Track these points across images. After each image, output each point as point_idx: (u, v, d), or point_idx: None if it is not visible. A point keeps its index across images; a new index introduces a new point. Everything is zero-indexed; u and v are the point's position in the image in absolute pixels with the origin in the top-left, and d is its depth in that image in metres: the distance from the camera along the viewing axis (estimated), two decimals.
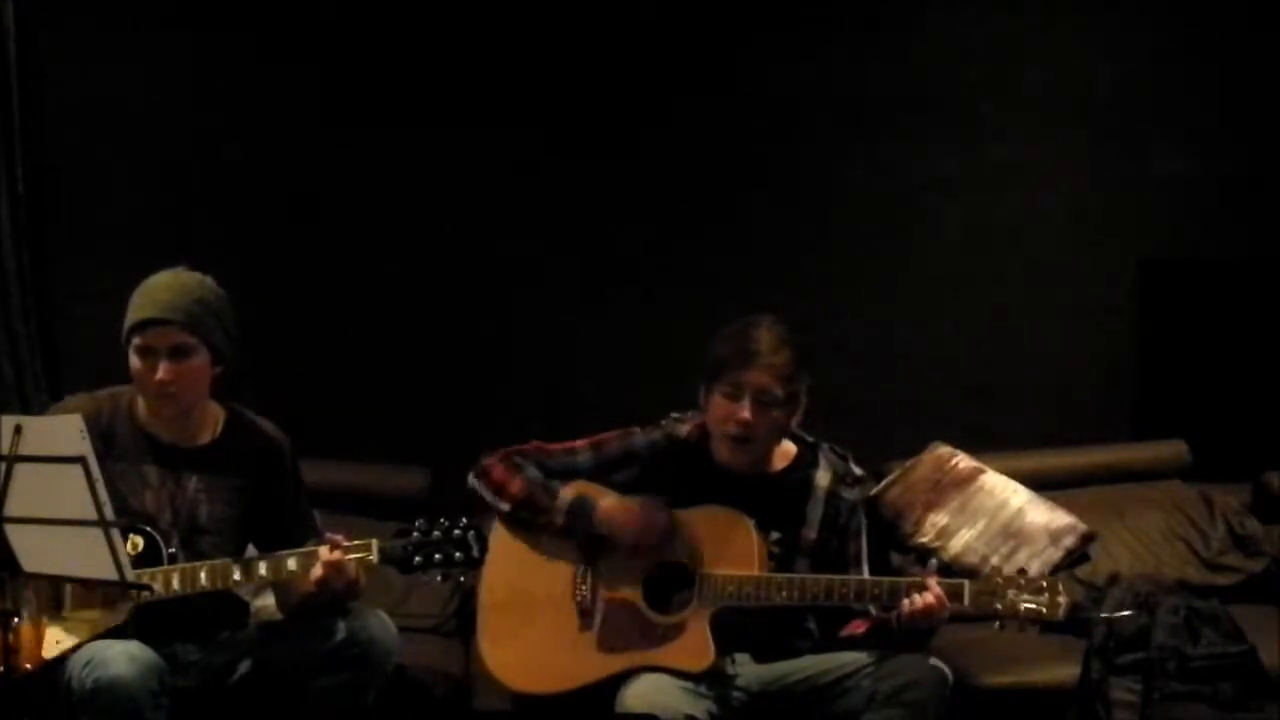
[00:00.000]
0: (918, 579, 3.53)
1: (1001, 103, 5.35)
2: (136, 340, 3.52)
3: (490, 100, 5.22)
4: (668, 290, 5.30)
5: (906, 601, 3.49)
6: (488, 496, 3.76)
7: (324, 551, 3.44)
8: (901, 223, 5.36)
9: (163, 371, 3.50)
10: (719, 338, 3.69)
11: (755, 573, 3.60)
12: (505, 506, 3.74)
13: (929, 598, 3.47)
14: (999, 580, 3.48)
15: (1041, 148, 5.37)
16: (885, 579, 3.61)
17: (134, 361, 3.53)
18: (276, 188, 5.21)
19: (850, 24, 5.33)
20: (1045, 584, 3.47)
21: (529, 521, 3.74)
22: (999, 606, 3.46)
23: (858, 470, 3.81)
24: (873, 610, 3.63)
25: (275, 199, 5.21)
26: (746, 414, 3.63)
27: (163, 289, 3.54)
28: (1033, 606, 3.44)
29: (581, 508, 3.69)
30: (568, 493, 3.71)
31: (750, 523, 3.64)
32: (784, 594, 3.57)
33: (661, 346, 5.17)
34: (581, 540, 3.72)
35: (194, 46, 5.18)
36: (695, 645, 3.59)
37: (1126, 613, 4.21)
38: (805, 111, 5.33)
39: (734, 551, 3.63)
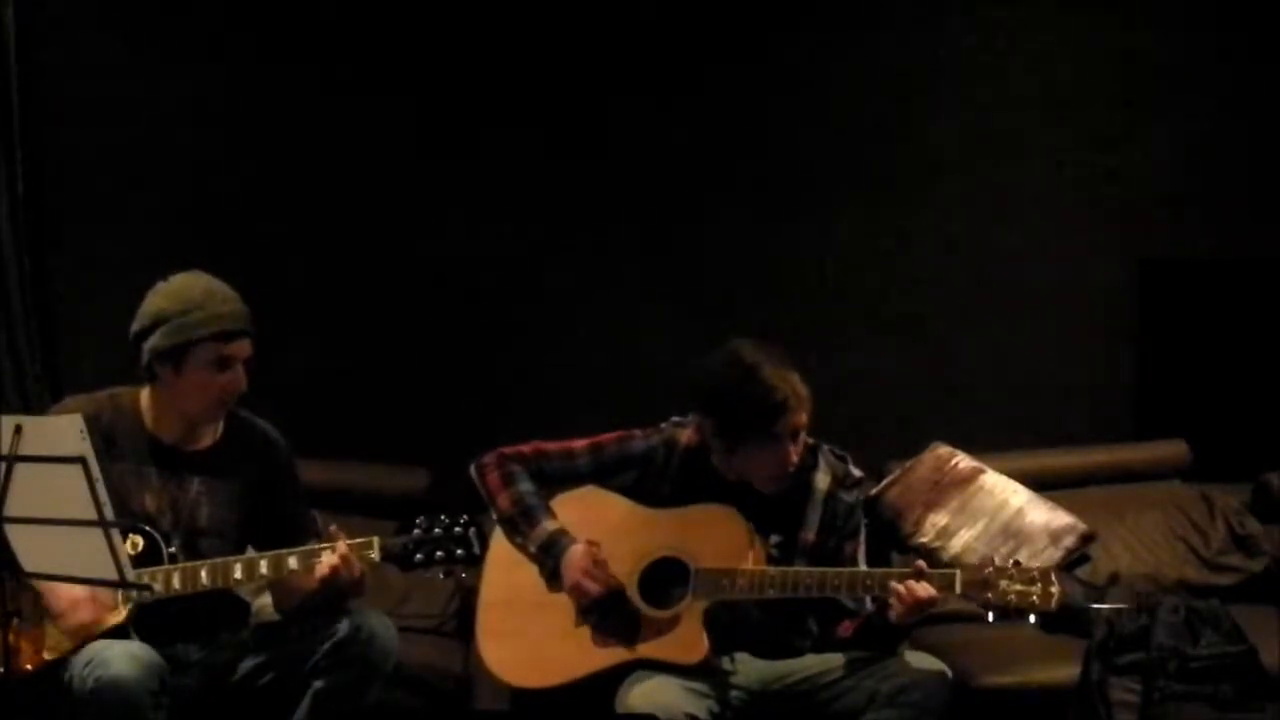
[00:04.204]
0: (909, 570, 3.52)
1: (1001, 103, 5.35)
2: (218, 350, 3.52)
3: (489, 102, 5.22)
4: (668, 290, 5.29)
5: (900, 587, 3.47)
6: (483, 495, 3.80)
7: (341, 545, 3.45)
8: (901, 224, 5.36)
9: (243, 381, 3.55)
10: (726, 394, 3.60)
11: (748, 566, 3.60)
12: (494, 515, 3.79)
13: (920, 586, 3.46)
14: (991, 569, 3.46)
15: (1041, 147, 5.36)
16: (877, 570, 3.61)
17: (204, 371, 3.52)
18: (276, 188, 5.21)
19: (849, 24, 5.33)
20: (1038, 574, 3.43)
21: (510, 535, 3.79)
22: (990, 596, 3.43)
23: (857, 472, 3.80)
24: (868, 604, 3.63)
25: (275, 199, 5.21)
26: (796, 456, 3.63)
27: (228, 299, 3.56)
28: (1025, 596, 3.42)
29: (553, 547, 3.71)
30: (545, 528, 3.72)
31: (742, 518, 3.65)
32: (776, 587, 3.58)
33: (662, 347, 5.17)
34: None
35: (194, 47, 5.18)
36: (689, 638, 3.60)
37: (1122, 606, 4.21)
38: (802, 114, 5.33)
39: (727, 546, 3.63)
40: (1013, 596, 3.42)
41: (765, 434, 3.59)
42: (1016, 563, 3.49)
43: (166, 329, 3.51)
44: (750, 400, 3.58)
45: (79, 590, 3.38)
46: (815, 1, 5.35)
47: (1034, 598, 3.41)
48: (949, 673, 3.65)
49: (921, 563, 3.57)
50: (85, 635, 3.41)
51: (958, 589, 3.48)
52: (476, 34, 5.23)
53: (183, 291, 3.55)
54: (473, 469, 3.83)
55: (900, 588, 3.47)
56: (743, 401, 3.58)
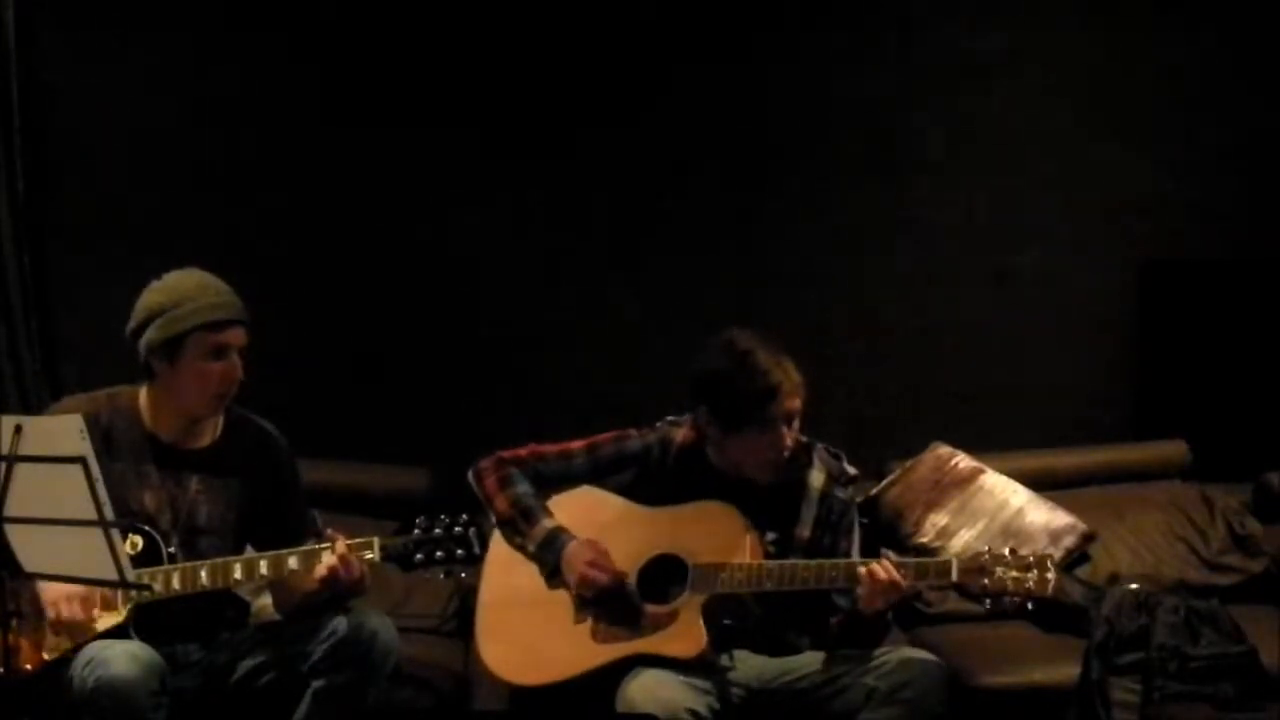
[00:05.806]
0: (879, 560, 3.55)
1: (1000, 103, 5.35)
2: (210, 339, 3.53)
3: (490, 101, 5.22)
4: (667, 289, 5.29)
5: (862, 570, 3.50)
6: (481, 500, 3.81)
7: (340, 545, 3.45)
8: (901, 222, 5.36)
9: (239, 369, 3.56)
10: (721, 379, 3.63)
11: (745, 561, 3.61)
12: (493, 518, 3.80)
13: (880, 567, 3.48)
14: (987, 556, 3.47)
15: (1041, 147, 5.36)
16: (869, 559, 3.61)
17: (198, 362, 3.53)
18: (276, 187, 5.20)
19: (847, 24, 5.32)
20: (1034, 560, 3.44)
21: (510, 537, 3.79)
22: (986, 582, 3.44)
23: (851, 469, 3.82)
24: (857, 596, 3.64)
25: (275, 199, 5.20)
26: (789, 441, 3.65)
27: (220, 290, 3.57)
28: (1021, 582, 3.42)
29: (552, 544, 3.72)
30: (544, 526, 3.73)
31: (739, 513, 3.66)
32: (773, 580, 3.59)
33: (661, 348, 5.17)
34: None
35: (194, 46, 5.18)
36: (687, 633, 3.61)
37: (1132, 586, 4.21)
38: (801, 109, 5.33)
39: (723, 542, 3.65)
40: (1009, 583, 3.43)
41: (759, 418, 3.60)
42: (1013, 550, 3.50)
43: (159, 322, 3.53)
44: (744, 384, 3.60)
45: (64, 587, 3.37)
46: (813, 1, 5.35)
47: (1030, 583, 3.43)
48: (948, 671, 3.66)
49: (889, 552, 3.59)
50: (79, 633, 3.41)
51: (954, 576, 3.49)
52: (472, 36, 5.22)
53: (175, 286, 3.57)
54: (470, 474, 3.84)
55: (862, 570, 3.49)
56: (736, 386, 3.61)
